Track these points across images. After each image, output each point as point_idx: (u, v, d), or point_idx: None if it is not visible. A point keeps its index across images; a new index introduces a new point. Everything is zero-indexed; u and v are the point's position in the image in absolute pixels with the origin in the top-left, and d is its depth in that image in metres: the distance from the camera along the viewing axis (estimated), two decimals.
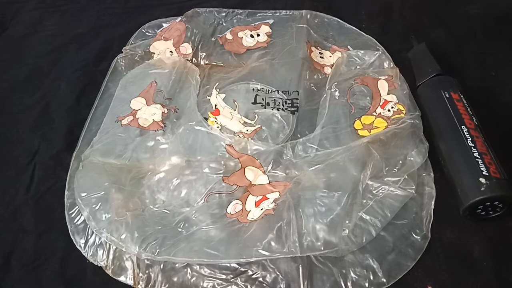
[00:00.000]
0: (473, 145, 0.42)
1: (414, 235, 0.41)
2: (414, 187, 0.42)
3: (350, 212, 0.40)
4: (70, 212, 0.44)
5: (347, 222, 0.39)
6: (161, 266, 0.40)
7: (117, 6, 0.69)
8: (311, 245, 0.38)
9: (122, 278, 0.40)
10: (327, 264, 0.39)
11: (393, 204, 0.41)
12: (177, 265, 0.39)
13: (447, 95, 0.47)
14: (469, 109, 0.46)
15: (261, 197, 0.43)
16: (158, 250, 0.39)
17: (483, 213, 0.41)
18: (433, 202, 0.43)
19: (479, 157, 0.41)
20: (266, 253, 0.38)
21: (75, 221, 0.43)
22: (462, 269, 0.39)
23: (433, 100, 0.48)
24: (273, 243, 0.38)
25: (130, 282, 0.40)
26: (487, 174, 0.40)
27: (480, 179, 0.40)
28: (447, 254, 0.40)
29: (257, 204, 0.42)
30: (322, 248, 0.38)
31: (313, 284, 0.38)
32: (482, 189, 0.39)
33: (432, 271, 0.39)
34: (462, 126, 0.44)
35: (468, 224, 0.42)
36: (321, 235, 0.39)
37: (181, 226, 0.41)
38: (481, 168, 0.40)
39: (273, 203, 0.42)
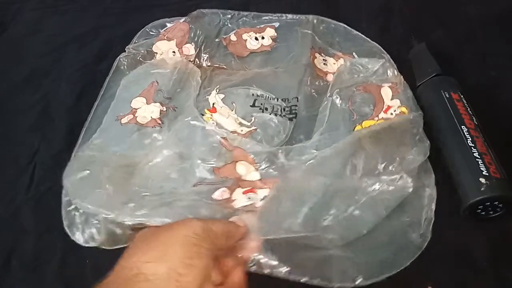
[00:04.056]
0: (473, 145, 0.42)
1: (411, 236, 0.40)
2: (411, 185, 0.41)
3: (335, 203, 0.39)
4: (68, 209, 0.43)
5: (331, 211, 0.39)
6: None
7: (117, 6, 0.69)
8: (288, 226, 0.37)
9: (118, 246, 0.40)
10: (312, 253, 0.38)
11: (388, 201, 0.40)
12: None
13: (447, 95, 0.47)
14: (469, 109, 0.46)
15: (249, 188, 0.43)
16: (136, 212, 0.38)
17: (483, 213, 0.41)
18: (433, 204, 0.42)
19: (479, 157, 0.41)
20: None
21: (71, 217, 0.43)
22: (462, 269, 0.39)
23: (433, 100, 0.48)
24: (252, 223, 0.37)
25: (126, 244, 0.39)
26: (487, 174, 0.40)
27: (480, 179, 0.40)
28: (447, 254, 0.40)
29: (244, 193, 0.42)
30: (300, 229, 0.37)
31: (295, 274, 0.37)
32: (482, 189, 0.39)
33: (432, 271, 0.39)
34: (462, 126, 0.44)
35: (468, 224, 0.42)
36: (300, 216, 0.38)
37: (165, 195, 0.41)
38: (481, 168, 0.40)
39: (262, 201, 0.41)
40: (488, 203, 0.40)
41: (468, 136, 0.43)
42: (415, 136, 0.45)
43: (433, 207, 0.42)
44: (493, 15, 0.61)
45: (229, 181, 0.43)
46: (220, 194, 0.42)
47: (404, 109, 0.47)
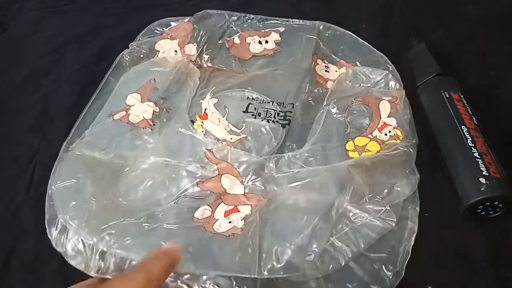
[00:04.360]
0: (473, 145, 0.42)
1: (385, 271, 0.38)
2: (395, 219, 0.40)
3: (320, 237, 0.38)
4: (51, 202, 0.43)
5: (314, 246, 0.37)
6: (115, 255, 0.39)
7: (117, 6, 0.69)
8: (271, 267, 0.36)
9: (73, 262, 0.39)
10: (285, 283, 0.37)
11: (369, 234, 0.39)
12: None
13: (447, 95, 0.47)
14: (469, 109, 0.46)
15: (232, 207, 0.42)
16: (115, 243, 0.38)
17: (483, 213, 0.41)
18: (413, 238, 0.40)
19: (479, 157, 0.41)
20: (222, 270, 0.36)
21: (52, 212, 0.43)
22: (462, 269, 0.39)
23: (433, 100, 0.48)
24: (231, 260, 0.37)
25: (82, 268, 0.39)
26: (487, 174, 0.40)
27: (480, 179, 0.40)
28: (447, 254, 0.40)
29: (226, 214, 0.41)
30: (282, 272, 0.36)
31: None
32: (482, 189, 0.39)
33: (432, 271, 0.39)
34: (462, 126, 0.44)
35: (468, 224, 0.41)
36: (283, 258, 0.37)
37: (144, 221, 0.40)
38: (481, 168, 0.40)
39: (243, 220, 0.40)
40: (488, 203, 0.40)
41: (468, 136, 0.43)
42: (406, 169, 0.44)
43: (412, 242, 0.40)
44: (493, 15, 0.60)
45: (212, 196, 0.43)
46: (201, 212, 0.41)
47: (399, 132, 0.46)
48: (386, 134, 0.46)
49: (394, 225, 0.40)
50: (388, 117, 0.47)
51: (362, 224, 0.39)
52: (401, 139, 0.45)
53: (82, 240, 0.40)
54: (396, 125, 0.46)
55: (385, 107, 0.48)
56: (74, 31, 0.65)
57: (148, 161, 0.45)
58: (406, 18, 0.62)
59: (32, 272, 0.42)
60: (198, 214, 0.41)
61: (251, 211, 0.41)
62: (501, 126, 0.48)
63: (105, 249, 0.38)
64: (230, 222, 0.41)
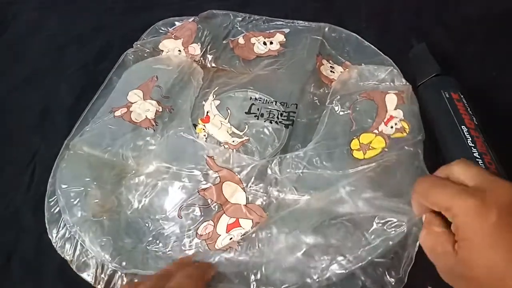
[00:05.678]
0: (473, 145, 0.42)
1: (388, 277, 0.38)
2: (405, 226, 0.38)
3: (324, 249, 0.38)
4: (49, 200, 0.44)
5: (320, 258, 0.37)
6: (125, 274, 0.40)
7: (117, 6, 0.69)
8: (271, 283, 0.37)
9: (84, 275, 0.40)
10: None
11: (384, 242, 0.38)
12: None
13: (447, 95, 0.47)
14: (469, 109, 0.45)
15: (234, 220, 0.42)
16: (125, 263, 0.39)
17: None
18: (417, 244, 0.38)
19: (479, 157, 0.41)
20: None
21: (52, 210, 0.44)
22: None
23: (433, 100, 0.48)
24: (231, 279, 0.38)
25: (90, 280, 0.40)
26: None
27: None
28: None
29: (228, 228, 0.41)
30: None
31: None
32: None
33: (432, 271, 0.39)
34: (462, 126, 0.44)
35: None
36: (282, 273, 0.37)
37: (152, 246, 0.41)
38: None
39: (243, 235, 0.40)
40: None
41: (468, 136, 0.43)
42: (417, 168, 0.42)
43: (416, 248, 0.38)
44: (493, 15, 0.60)
45: (214, 205, 0.43)
46: (204, 228, 0.42)
47: (405, 124, 0.44)
48: (392, 127, 0.45)
49: (405, 230, 0.38)
50: (395, 109, 0.46)
51: (379, 230, 0.38)
52: (407, 131, 0.44)
53: (93, 255, 0.40)
54: (403, 117, 0.45)
55: (391, 99, 0.47)
56: (74, 31, 0.65)
57: (151, 166, 0.45)
58: (406, 18, 0.62)
59: (32, 272, 0.42)
60: (201, 230, 0.42)
61: (252, 227, 0.41)
62: (501, 126, 0.48)
63: (116, 268, 0.39)
64: (231, 238, 0.41)
